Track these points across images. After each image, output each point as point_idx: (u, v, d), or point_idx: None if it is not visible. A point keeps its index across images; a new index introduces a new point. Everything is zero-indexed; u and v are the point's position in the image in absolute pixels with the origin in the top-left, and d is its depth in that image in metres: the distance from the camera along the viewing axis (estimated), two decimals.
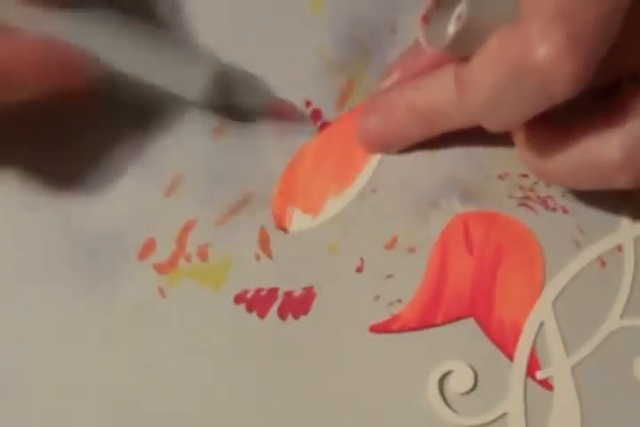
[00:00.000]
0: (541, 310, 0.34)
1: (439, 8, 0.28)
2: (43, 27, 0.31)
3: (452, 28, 0.28)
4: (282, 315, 0.34)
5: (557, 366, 0.34)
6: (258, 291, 0.34)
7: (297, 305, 0.34)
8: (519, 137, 0.30)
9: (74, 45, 0.31)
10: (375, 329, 0.34)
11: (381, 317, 0.34)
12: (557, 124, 0.29)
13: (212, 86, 0.32)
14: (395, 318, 0.34)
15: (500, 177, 0.35)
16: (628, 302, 0.34)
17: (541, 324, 0.34)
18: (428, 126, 0.33)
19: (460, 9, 0.27)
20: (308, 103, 0.35)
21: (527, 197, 0.35)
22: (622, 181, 0.29)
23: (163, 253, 0.34)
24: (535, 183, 0.35)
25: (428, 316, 0.34)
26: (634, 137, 0.28)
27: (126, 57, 0.32)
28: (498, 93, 0.27)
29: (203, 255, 0.34)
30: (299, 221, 0.34)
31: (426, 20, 0.28)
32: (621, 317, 0.34)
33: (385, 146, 0.34)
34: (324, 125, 0.35)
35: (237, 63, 0.34)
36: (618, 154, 0.28)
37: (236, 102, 0.33)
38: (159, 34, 0.32)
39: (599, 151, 0.28)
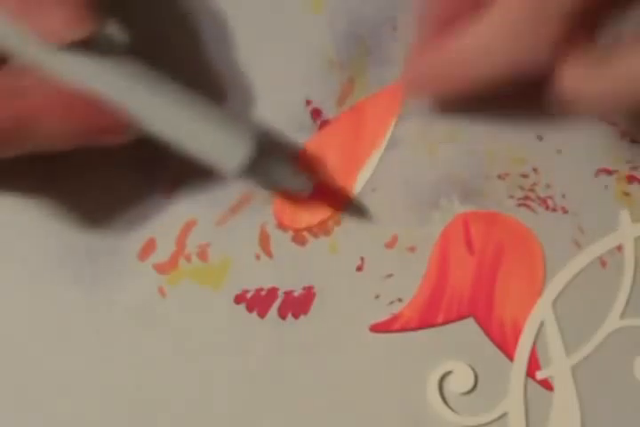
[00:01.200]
0: (542, 310, 0.34)
1: None
2: (79, 76, 0.29)
3: None
4: (282, 315, 0.34)
5: (557, 366, 0.34)
6: (258, 291, 0.34)
7: (297, 305, 0.34)
8: (561, 63, 0.30)
9: (109, 102, 0.29)
10: (375, 329, 0.34)
11: (382, 316, 0.34)
12: (600, 47, 0.29)
13: (250, 158, 0.30)
14: (395, 318, 0.34)
15: (500, 177, 0.35)
16: (627, 302, 0.34)
17: (542, 324, 0.34)
18: (464, 73, 0.32)
19: None
20: (308, 102, 0.35)
21: (527, 197, 0.35)
22: None
23: (163, 254, 0.34)
24: (535, 183, 0.35)
25: (428, 315, 0.34)
26: None
27: (163, 123, 0.30)
28: None
29: (203, 255, 0.34)
30: (302, 223, 0.34)
31: None
32: (621, 317, 0.34)
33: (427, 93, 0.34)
34: (324, 124, 0.35)
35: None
36: None
37: (266, 174, 0.32)
38: (199, 99, 0.30)
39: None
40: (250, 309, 0.34)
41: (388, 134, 0.35)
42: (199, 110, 0.30)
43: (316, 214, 0.34)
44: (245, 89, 0.35)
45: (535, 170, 0.35)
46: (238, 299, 0.34)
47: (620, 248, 0.35)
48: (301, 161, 0.35)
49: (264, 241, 0.34)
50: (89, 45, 0.29)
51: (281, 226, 0.34)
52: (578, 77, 0.29)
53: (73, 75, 0.29)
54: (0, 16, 0.28)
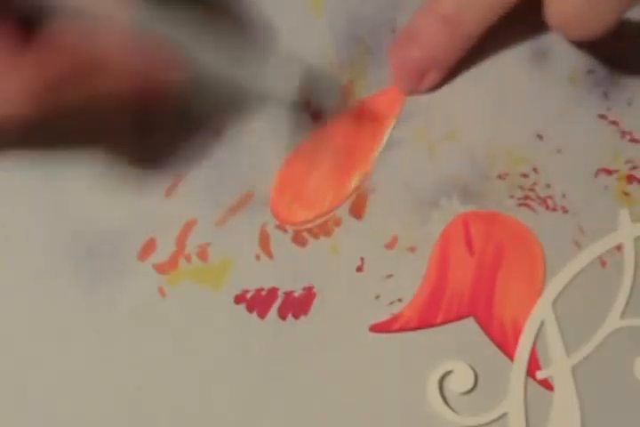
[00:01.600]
0: (542, 310, 0.34)
1: None
2: (135, 23, 0.30)
3: None
4: (282, 315, 0.34)
5: (558, 366, 0.34)
6: (258, 291, 0.34)
7: (297, 305, 0.34)
8: None
9: (166, 42, 0.30)
10: (375, 329, 0.34)
11: (382, 316, 0.34)
12: None
13: (298, 84, 0.32)
14: (395, 318, 0.34)
15: (500, 177, 0.35)
16: (627, 302, 0.34)
17: (542, 324, 0.34)
18: (455, 31, 0.33)
19: None
20: (308, 103, 0.35)
21: (527, 197, 0.35)
22: None
23: (163, 254, 0.34)
24: (535, 183, 0.35)
25: (428, 315, 0.34)
26: None
27: (213, 56, 0.32)
28: None
29: (203, 255, 0.34)
30: (298, 217, 0.34)
31: None
32: (621, 317, 0.34)
33: (422, 71, 0.34)
34: (323, 124, 0.35)
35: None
36: None
37: (316, 100, 0.33)
38: (242, 32, 0.32)
39: None
40: (250, 309, 0.34)
41: (388, 135, 0.35)
42: (245, 43, 0.32)
43: (311, 209, 0.34)
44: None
45: (535, 170, 0.35)
46: (238, 299, 0.34)
47: (619, 248, 0.35)
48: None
49: (264, 241, 0.34)
50: None
51: (279, 222, 0.34)
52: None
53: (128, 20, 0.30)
54: None
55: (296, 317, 0.34)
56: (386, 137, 0.35)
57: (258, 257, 0.34)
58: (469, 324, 0.34)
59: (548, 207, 0.35)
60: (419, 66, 0.34)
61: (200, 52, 0.31)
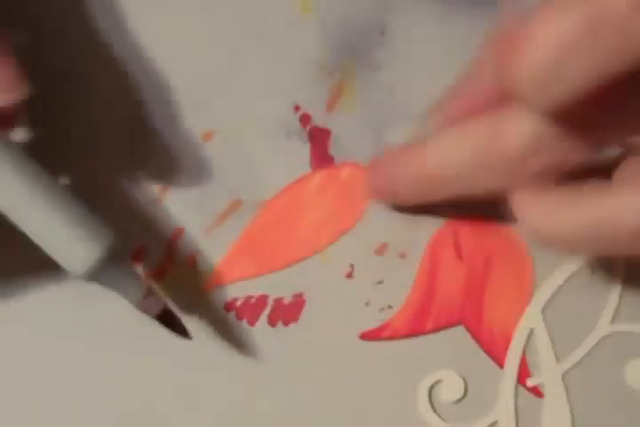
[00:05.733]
0: (531, 317, 0.34)
1: None
2: None
3: None
4: (272, 322, 0.34)
5: (548, 373, 0.34)
6: (247, 298, 0.34)
7: (287, 312, 0.34)
8: (520, 195, 0.28)
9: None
10: (365, 337, 0.34)
11: (372, 323, 0.34)
12: (571, 182, 0.27)
13: (95, 266, 0.29)
14: (384, 326, 0.34)
15: None
16: (618, 307, 0.34)
17: (531, 331, 0.34)
18: (431, 193, 0.32)
19: None
20: (296, 107, 0.35)
21: None
22: (637, 249, 0.26)
23: (152, 261, 0.34)
24: None
25: (417, 323, 0.34)
26: None
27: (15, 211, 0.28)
28: (568, 47, 0.23)
29: (191, 263, 0.34)
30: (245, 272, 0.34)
31: None
32: (612, 322, 0.34)
33: (389, 202, 0.34)
34: (312, 130, 0.35)
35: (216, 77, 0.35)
36: (636, 218, 0.26)
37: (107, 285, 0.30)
38: (64, 194, 0.29)
39: (615, 213, 0.26)
40: (239, 316, 0.34)
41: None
42: (57, 206, 0.28)
43: (263, 265, 0.34)
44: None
45: None
46: (228, 307, 0.34)
47: None
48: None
49: None
50: None
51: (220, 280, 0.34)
52: (539, 217, 0.28)
53: None
54: None
55: (286, 324, 0.34)
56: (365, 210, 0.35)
57: None
58: (459, 332, 0.34)
59: None
60: (384, 191, 0.34)
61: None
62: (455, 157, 0.30)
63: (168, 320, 0.31)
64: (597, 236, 0.27)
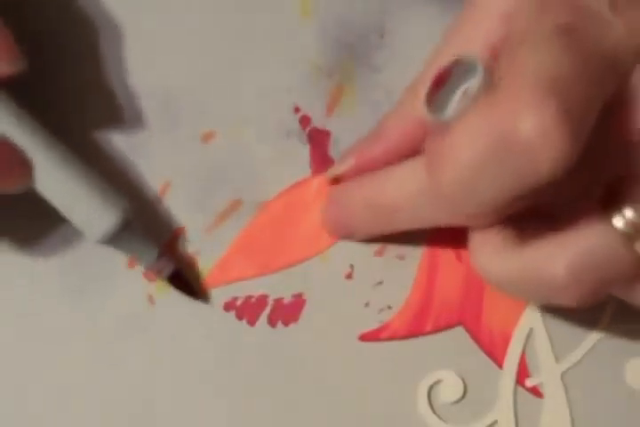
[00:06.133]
0: (530, 317, 0.34)
1: (441, 87, 0.26)
2: None
3: (459, 103, 0.26)
4: (272, 322, 0.34)
5: (547, 373, 0.34)
6: (247, 298, 0.34)
7: (287, 312, 0.34)
8: (473, 233, 0.29)
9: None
10: (364, 338, 0.34)
11: (371, 324, 0.34)
12: (513, 229, 0.28)
13: (114, 231, 0.31)
14: (384, 327, 0.34)
15: None
16: (617, 306, 0.34)
17: (530, 331, 0.34)
18: (384, 224, 0.32)
19: (470, 84, 0.26)
20: (296, 109, 0.35)
21: None
22: (565, 300, 0.28)
23: None
24: None
25: (417, 324, 0.34)
26: (580, 257, 0.27)
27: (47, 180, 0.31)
28: (477, 169, 0.25)
29: (192, 262, 0.34)
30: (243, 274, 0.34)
31: (429, 100, 0.26)
32: (611, 322, 0.34)
33: (346, 235, 0.34)
34: (312, 131, 0.35)
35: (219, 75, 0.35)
36: (563, 273, 0.27)
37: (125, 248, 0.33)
38: (84, 165, 0.31)
39: (545, 266, 0.27)
40: (239, 316, 0.34)
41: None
42: (76, 174, 0.31)
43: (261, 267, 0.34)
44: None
45: None
46: (228, 306, 0.34)
47: None
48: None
49: None
50: None
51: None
52: (485, 256, 0.29)
53: None
54: None
55: (286, 324, 0.34)
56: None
57: None
58: (458, 333, 0.34)
59: None
60: (343, 231, 0.34)
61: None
62: (408, 190, 0.30)
63: (180, 282, 0.33)
64: (531, 284, 0.28)
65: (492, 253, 0.28)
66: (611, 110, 0.26)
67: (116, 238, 0.32)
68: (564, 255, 0.27)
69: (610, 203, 0.27)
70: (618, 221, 0.27)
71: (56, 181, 0.31)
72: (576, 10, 0.27)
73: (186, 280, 0.33)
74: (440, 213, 0.29)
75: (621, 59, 0.26)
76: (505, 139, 0.24)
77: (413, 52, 0.35)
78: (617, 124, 0.27)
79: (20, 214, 0.32)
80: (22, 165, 0.30)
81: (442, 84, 0.26)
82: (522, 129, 0.24)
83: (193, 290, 0.33)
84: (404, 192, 0.30)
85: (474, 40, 0.30)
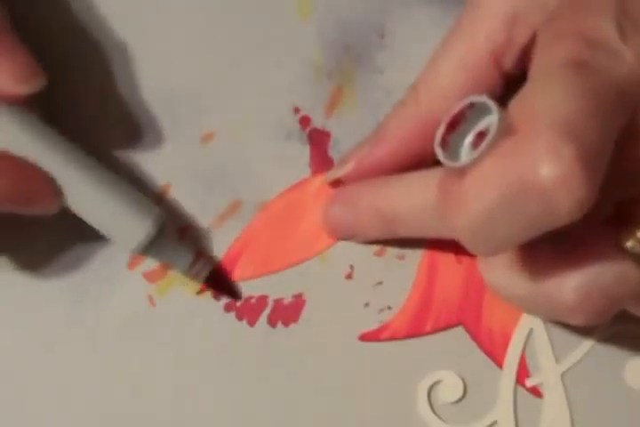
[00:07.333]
0: (530, 317, 0.34)
1: (455, 130, 0.26)
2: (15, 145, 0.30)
3: (473, 146, 0.26)
4: (272, 323, 0.34)
5: (547, 374, 0.34)
6: (247, 298, 0.34)
7: (287, 313, 0.34)
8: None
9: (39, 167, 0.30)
10: (364, 338, 0.34)
11: (371, 324, 0.34)
12: (522, 250, 0.28)
13: (149, 240, 0.31)
14: (384, 327, 0.34)
15: None
16: None
17: (530, 331, 0.34)
18: (388, 230, 0.32)
19: (487, 124, 0.25)
20: (296, 110, 0.35)
21: None
22: (574, 321, 0.28)
23: (152, 262, 0.34)
24: None
25: (417, 324, 0.34)
26: (589, 280, 0.27)
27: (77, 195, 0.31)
28: (492, 218, 0.25)
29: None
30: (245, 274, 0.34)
31: (444, 144, 0.26)
32: (611, 322, 0.34)
33: (347, 237, 0.34)
34: (312, 132, 0.35)
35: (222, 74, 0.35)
36: (572, 295, 0.27)
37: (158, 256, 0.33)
38: (112, 176, 0.32)
39: (555, 289, 0.27)
40: (239, 317, 0.34)
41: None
42: (107, 187, 0.31)
43: (262, 267, 0.34)
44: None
45: None
46: (228, 307, 0.34)
47: None
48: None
49: None
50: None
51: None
52: (494, 275, 0.29)
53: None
54: None
55: (286, 324, 0.34)
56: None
57: None
58: (458, 333, 0.34)
59: None
60: (345, 232, 0.34)
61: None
62: (415, 204, 0.31)
63: (217, 283, 0.33)
64: (539, 304, 0.29)
65: (501, 273, 0.29)
66: (624, 135, 0.26)
67: (150, 246, 0.32)
68: (574, 278, 0.27)
69: (621, 225, 0.27)
70: (629, 243, 0.27)
71: (88, 198, 0.31)
72: (586, 41, 0.26)
73: (225, 280, 0.33)
74: (449, 234, 0.28)
75: (633, 86, 0.26)
76: (523, 186, 0.24)
77: (414, 53, 0.35)
78: (629, 149, 0.26)
79: (19, 216, 0.32)
80: (52, 192, 0.30)
81: (456, 126, 0.26)
82: (540, 176, 0.24)
83: (232, 289, 0.34)
84: (411, 205, 0.31)
85: (476, 41, 0.30)
